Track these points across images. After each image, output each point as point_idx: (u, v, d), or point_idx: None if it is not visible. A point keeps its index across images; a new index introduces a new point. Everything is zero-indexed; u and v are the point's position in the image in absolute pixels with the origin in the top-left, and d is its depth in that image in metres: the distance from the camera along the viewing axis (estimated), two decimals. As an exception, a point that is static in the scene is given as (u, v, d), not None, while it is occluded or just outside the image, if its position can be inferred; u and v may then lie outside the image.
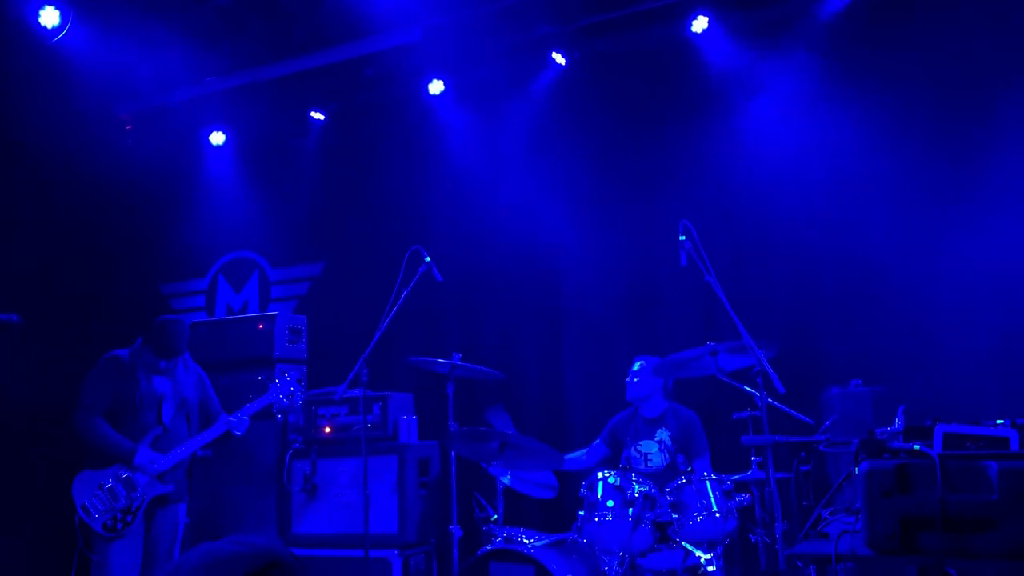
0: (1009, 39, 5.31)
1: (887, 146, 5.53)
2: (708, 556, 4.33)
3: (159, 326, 4.81)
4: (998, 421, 2.93)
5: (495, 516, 4.80)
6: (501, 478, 4.85)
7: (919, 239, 5.43)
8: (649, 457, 5.14)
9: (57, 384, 5.52)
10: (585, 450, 5.50)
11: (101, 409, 4.68)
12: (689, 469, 4.98)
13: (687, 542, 4.35)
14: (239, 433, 4.95)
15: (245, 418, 4.97)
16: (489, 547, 4.54)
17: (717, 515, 4.29)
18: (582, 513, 4.46)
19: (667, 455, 5.12)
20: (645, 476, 4.61)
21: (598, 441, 5.46)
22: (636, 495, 4.35)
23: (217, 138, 7.58)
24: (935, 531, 2.39)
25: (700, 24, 5.94)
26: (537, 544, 4.46)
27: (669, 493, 4.41)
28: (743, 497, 4.41)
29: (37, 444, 6.45)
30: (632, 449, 5.19)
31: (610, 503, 4.38)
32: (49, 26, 6.16)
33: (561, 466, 4.92)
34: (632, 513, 4.32)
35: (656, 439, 5.16)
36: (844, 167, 5.67)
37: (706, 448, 5.11)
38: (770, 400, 4.13)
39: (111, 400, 4.69)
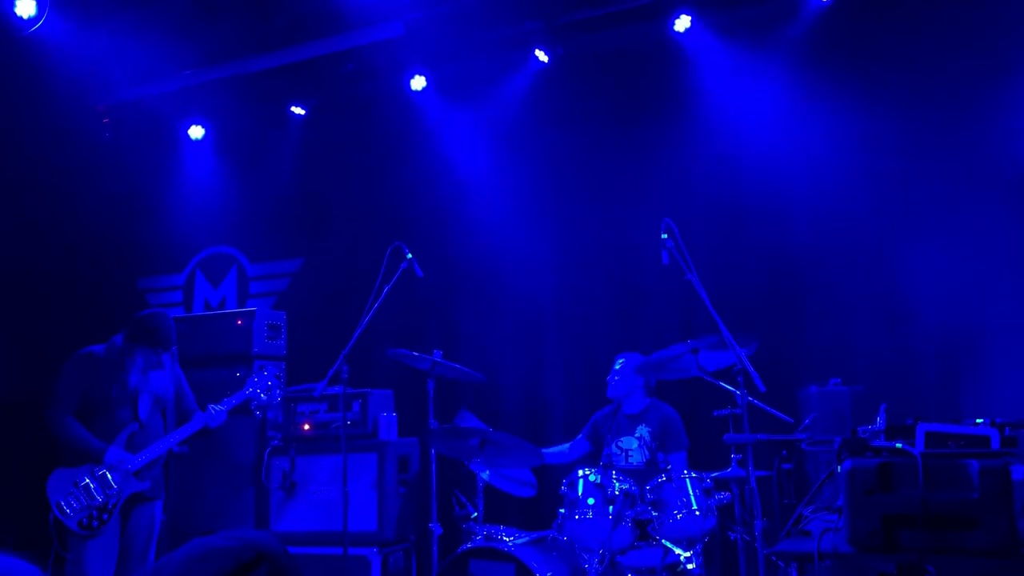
0: (997, 33, 5.34)
1: (867, 145, 5.56)
2: (688, 554, 4.33)
3: (148, 320, 4.67)
4: (977, 420, 2.96)
5: (475, 514, 4.78)
6: (481, 475, 4.83)
7: (899, 238, 5.48)
8: (629, 453, 5.15)
9: (32, 379, 5.44)
10: (568, 444, 5.49)
11: (72, 406, 4.58)
12: (667, 466, 4.99)
13: (667, 540, 4.36)
14: (215, 425, 4.85)
15: (222, 410, 4.88)
16: (469, 545, 4.53)
17: (697, 513, 4.29)
18: (562, 511, 4.45)
19: (647, 452, 5.12)
20: (626, 473, 4.61)
21: (580, 436, 5.46)
22: (616, 493, 4.35)
23: (196, 132, 7.50)
24: (917, 529, 2.41)
25: (683, 23, 5.95)
26: (517, 542, 4.45)
27: (649, 491, 4.41)
28: (723, 495, 4.42)
29: (12, 441, 6.36)
30: (613, 446, 5.19)
31: (591, 501, 4.37)
32: (25, 16, 6.06)
33: (541, 462, 4.92)
34: (612, 511, 4.32)
35: (636, 435, 5.16)
36: (825, 166, 5.69)
37: (684, 445, 5.12)
38: (750, 398, 4.15)
39: (84, 397, 4.59)
